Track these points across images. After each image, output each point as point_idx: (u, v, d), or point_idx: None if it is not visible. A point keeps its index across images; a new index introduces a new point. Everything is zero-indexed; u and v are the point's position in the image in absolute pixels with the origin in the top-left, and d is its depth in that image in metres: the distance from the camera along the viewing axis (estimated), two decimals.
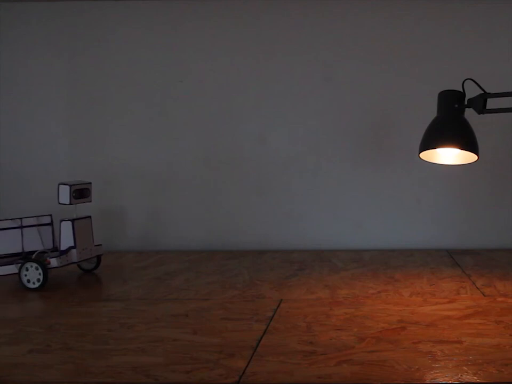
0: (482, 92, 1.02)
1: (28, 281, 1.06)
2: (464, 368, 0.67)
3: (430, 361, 0.69)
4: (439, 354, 0.71)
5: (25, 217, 1.17)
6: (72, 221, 1.12)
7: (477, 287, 1.03)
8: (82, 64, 1.46)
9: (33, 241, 1.17)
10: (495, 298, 0.96)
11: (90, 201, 1.17)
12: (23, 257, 1.13)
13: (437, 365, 0.68)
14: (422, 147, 1.06)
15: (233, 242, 1.45)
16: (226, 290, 1.04)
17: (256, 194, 1.46)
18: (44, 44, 1.46)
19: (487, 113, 1.02)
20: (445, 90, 1.05)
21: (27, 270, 1.06)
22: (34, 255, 1.09)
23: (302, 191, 1.45)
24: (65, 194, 1.11)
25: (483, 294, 0.99)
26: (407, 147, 1.36)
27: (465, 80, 1.03)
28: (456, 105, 1.04)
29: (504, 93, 1.01)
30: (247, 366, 0.68)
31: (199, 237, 1.46)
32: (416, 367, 0.67)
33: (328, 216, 1.45)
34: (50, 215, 1.21)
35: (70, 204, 1.12)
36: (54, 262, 1.07)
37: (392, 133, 1.42)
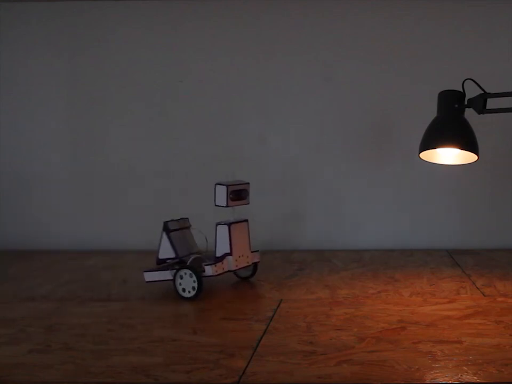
0: (482, 92, 1.02)
1: (183, 290, 0.98)
2: (464, 368, 0.67)
3: (430, 361, 0.69)
4: (439, 354, 0.71)
5: (170, 221, 1.06)
6: (229, 224, 1.01)
7: (477, 287, 1.03)
8: (82, 64, 1.46)
9: (184, 245, 1.06)
10: (495, 298, 0.96)
11: (248, 203, 1.07)
12: (178, 262, 1.04)
13: (437, 365, 0.68)
14: (422, 147, 1.06)
15: None
16: (226, 290, 1.04)
17: (256, 194, 1.45)
18: (44, 44, 1.46)
19: (487, 113, 1.02)
20: (445, 90, 1.05)
21: (181, 278, 0.98)
22: (189, 262, 1.01)
23: (302, 191, 1.45)
24: (221, 195, 1.01)
25: (483, 294, 0.99)
26: (407, 147, 1.36)
27: (465, 80, 1.03)
28: (456, 105, 1.04)
29: (504, 93, 1.01)
30: (247, 366, 0.68)
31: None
32: (416, 367, 0.67)
33: (328, 216, 1.45)
34: (187, 218, 1.11)
35: (227, 206, 1.02)
36: (208, 270, 0.98)
37: (392, 133, 1.42)
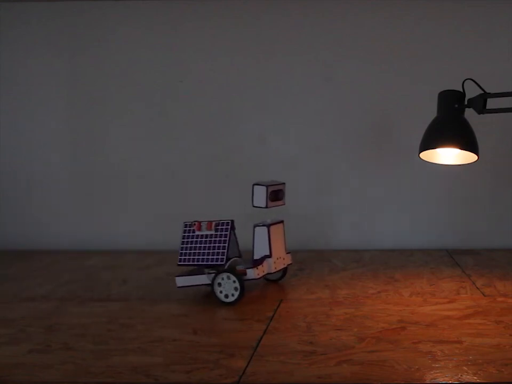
0: (482, 92, 1.02)
1: (223, 294, 0.94)
2: (464, 368, 0.67)
3: (430, 361, 0.69)
4: (439, 354, 0.71)
5: (204, 221, 1.01)
6: (268, 226, 0.99)
7: (477, 287, 1.03)
8: (82, 64, 1.46)
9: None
10: (495, 298, 0.96)
11: (284, 204, 1.05)
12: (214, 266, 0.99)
13: (437, 365, 0.68)
14: (422, 147, 1.06)
15: None
16: None
17: None
18: (44, 44, 1.46)
19: (487, 113, 1.02)
20: (445, 90, 1.05)
21: (221, 282, 0.94)
22: (227, 265, 0.96)
23: (302, 191, 1.45)
24: (260, 196, 0.98)
25: (483, 294, 0.99)
26: (407, 147, 1.36)
27: (465, 80, 1.03)
28: (456, 105, 1.04)
29: (504, 93, 1.01)
30: (247, 366, 0.68)
31: None
32: (416, 367, 0.67)
33: (328, 216, 1.45)
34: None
35: (266, 207, 0.99)
36: (250, 273, 0.95)
37: (392, 133, 1.42)
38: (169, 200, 1.47)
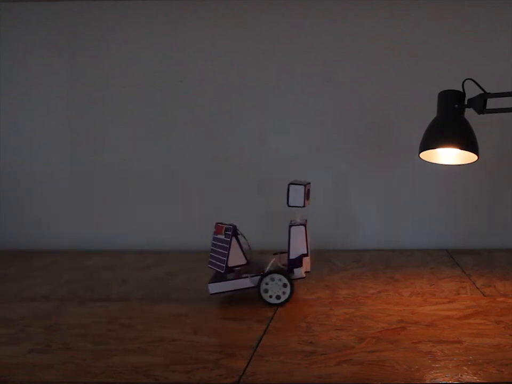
0: (482, 92, 1.02)
1: (270, 296, 0.94)
2: (464, 368, 0.67)
3: (430, 361, 0.69)
4: (439, 354, 0.71)
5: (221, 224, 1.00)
6: (304, 225, 0.99)
7: (477, 287, 1.03)
8: (82, 64, 1.46)
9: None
10: (495, 298, 0.96)
11: (309, 203, 1.03)
12: (249, 269, 0.98)
13: (437, 365, 0.68)
14: (422, 147, 1.06)
15: None
16: None
17: (256, 194, 1.46)
18: (44, 44, 1.46)
19: (487, 113, 1.02)
20: (445, 90, 1.05)
21: (267, 284, 0.94)
22: (270, 266, 0.96)
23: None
24: (298, 195, 0.98)
25: (483, 294, 0.99)
26: (407, 147, 1.36)
27: (465, 80, 1.03)
28: (456, 105, 1.04)
29: (504, 93, 1.01)
30: (247, 366, 0.68)
31: (199, 237, 1.46)
32: (416, 367, 0.67)
33: (328, 216, 1.45)
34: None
35: (303, 206, 0.98)
36: (297, 272, 0.95)
37: (392, 133, 1.42)
38: (169, 200, 1.47)
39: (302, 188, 0.98)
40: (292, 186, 0.99)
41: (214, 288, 0.96)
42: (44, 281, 1.12)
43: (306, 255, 0.99)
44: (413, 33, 1.40)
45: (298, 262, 0.98)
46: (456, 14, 1.39)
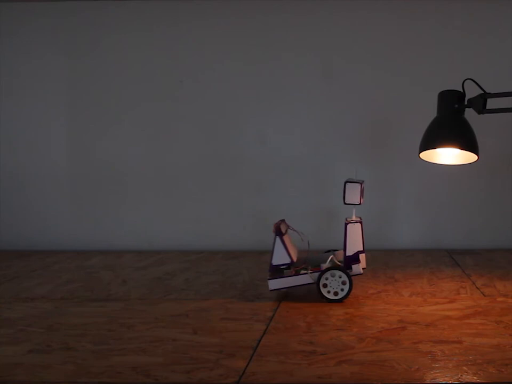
0: (482, 92, 1.02)
1: (329, 291, 0.95)
2: (464, 368, 0.67)
3: (430, 361, 0.69)
4: (439, 354, 0.71)
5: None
6: (361, 222, 0.99)
7: (477, 287, 1.03)
8: (82, 64, 1.46)
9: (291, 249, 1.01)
10: (495, 298, 0.96)
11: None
12: (295, 264, 0.99)
13: (437, 365, 0.68)
14: (422, 147, 1.06)
15: (233, 242, 1.45)
16: (226, 290, 1.04)
17: (256, 194, 1.46)
18: (44, 44, 1.46)
19: (487, 113, 1.02)
20: (445, 90, 1.05)
21: (327, 279, 0.95)
22: (329, 262, 0.98)
23: (302, 191, 1.44)
24: (354, 193, 0.98)
25: (483, 294, 0.99)
26: (407, 147, 1.35)
27: (465, 80, 1.03)
28: (456, 105, 1.04)
29: (504, 93, 1.01)
30: (247, 366, 0.68)
31: (199, 237, 1.46)
32: (416, 367, 0.67)
33: (328, 216, 1.45)
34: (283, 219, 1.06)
35: (359, 203, 0.98)
36: (356, 268, 0.97)
37: (392, 133, 1.42)
38: (169, 200, 1.47)
39: (358, 185, 0.98)
40: (348, 184, 0.98)
41: (274, 284, 0.97)
42: (44, 281, 1.12)
43: (362, 251, 0.99)
44: (413, 33, 1.40)
45: (355, 258, 0.98)
46: (456, 14, 1.39)
